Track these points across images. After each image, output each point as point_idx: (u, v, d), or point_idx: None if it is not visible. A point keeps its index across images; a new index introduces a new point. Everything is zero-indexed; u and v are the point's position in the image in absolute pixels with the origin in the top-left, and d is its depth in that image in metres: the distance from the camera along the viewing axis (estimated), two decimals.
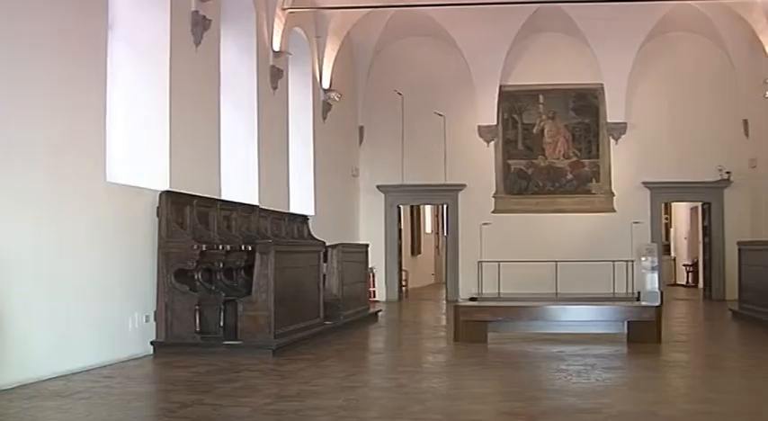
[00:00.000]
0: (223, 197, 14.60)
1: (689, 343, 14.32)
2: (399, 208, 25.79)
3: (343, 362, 11.85)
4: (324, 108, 21.45)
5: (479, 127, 24.75)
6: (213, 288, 12.69)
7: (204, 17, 13.99)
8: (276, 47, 17.84)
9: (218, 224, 13.77)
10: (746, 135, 24.15)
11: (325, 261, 15.77)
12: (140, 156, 12.62)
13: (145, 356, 11.64)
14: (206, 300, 12.25)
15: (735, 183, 24.17)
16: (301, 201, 19.67)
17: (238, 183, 15.99)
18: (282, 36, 18.09)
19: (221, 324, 12.23)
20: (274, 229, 16.50)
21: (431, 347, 13.92)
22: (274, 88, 17.79)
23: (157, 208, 12.26)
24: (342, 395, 8.87)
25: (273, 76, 17.71)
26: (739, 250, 18.99)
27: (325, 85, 21.50)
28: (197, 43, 13.92)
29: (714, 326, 17.86)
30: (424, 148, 24.67)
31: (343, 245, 17.04)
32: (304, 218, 18.69)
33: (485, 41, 23.74)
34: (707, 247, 25.30)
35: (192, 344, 11.91)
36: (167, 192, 12.43)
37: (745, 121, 24.10)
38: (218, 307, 12.25)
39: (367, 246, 19.56)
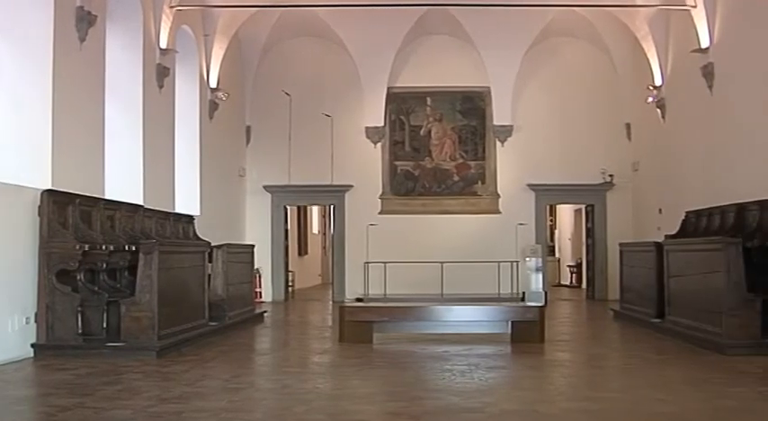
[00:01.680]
0: (107, 196, 14.38)
1: (571, 342, 14.56)
2: (286, 208, 25.71)
3: (227, 363, 11.77)
4: (211, 107, 21.28)
5: (367, 128, 24.84)
6: (96, 289, 12.52)
7: (89, 13, 13.76)
8: (163, 44, 17.64)
9: (101, 224, 13.56)
10: (629, 139, 24.74)
11: (211, 261, 15.67)
12: (22, 155, 12.36)
13: (25, 359, 11.38)
14: (89, 300, 12.07)
15: (617, 185, 24.70)
16: (187, 200, 19.46)
17: (122, 182, 15.75)
18: (169, 34, 17.90)
19: (104, 325, 12.09)
20: (159, 229, 16.31)
21: (316, 348, 13.91)
22: (160, 87, 17.59)
23: (39, 207, 12.01)
24: (225, 396, 8.80)
25: (160, 74, 17.52)
26: (621, 251, 19.39)
27: (213, 84, 21.32)
28: (82, 40, 13.69)
29: (596, 325, 18.18)
30: (311, 149, 24.65)
31: (228, 245, 16.95)
32: (189, 218, 18.51)
33: (373, 43, 23.84)
34: (590, 249, 25.83)
35: (75, 346, 11.70)
36: (49, 191, 12.20)
37: (628, 125, 24.68)
38: (101, 308, 12.10)
39: (253, 246, 19.48)
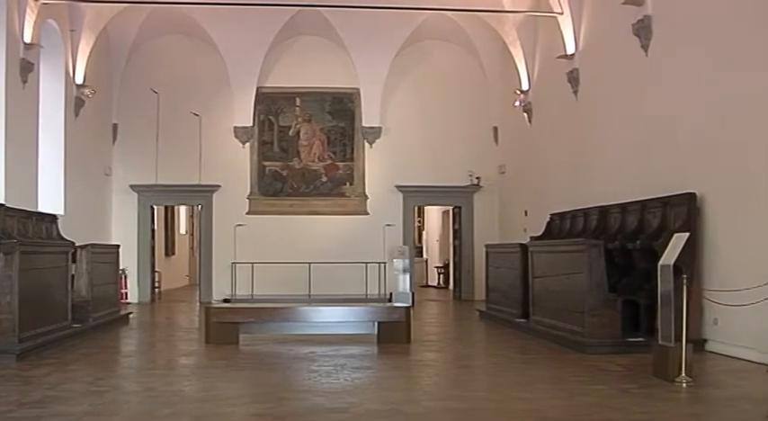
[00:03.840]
0: None
1: (437, 342, 14.69)
2: (153, 208, 25.34)
3: (90, 365, 11.54)
4: (76, 104, 20.82)
5: (235, 128, 24.67)
6: None
7: None
8: (27, 39, 17.19)
9: None
10: (496, 142, 25.12)
11: (75, 262, 15.36)
12: None
13: None
14: None
15: (484, 187, 25.05)
16: (50, 199, 19.03)
17: None
18: (34, 28, 17.46)
19: None
20: (21, 229, 15.90)
21: (182, 349, 13.75)
22: (24, 82, 17.16)
23: None
24: (88, 400, 8.63)
25: (23, 69, 17.08)
26: (486, 253, 19.69)
27: (79, 80, 20.86)
28: None
29: (462, 325, 18.40)
30: (179, 148, 24.34)
31: (93, 245, 16.64)
32: (53, 217, 18.09)
33: (243, 42, 23.65)
34: (457, 250, 26.11)
35: None
36: None
37: (496, 129, 25.06)
38: None
39: (118, 246, 19.16)
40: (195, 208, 30.03)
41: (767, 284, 7.94)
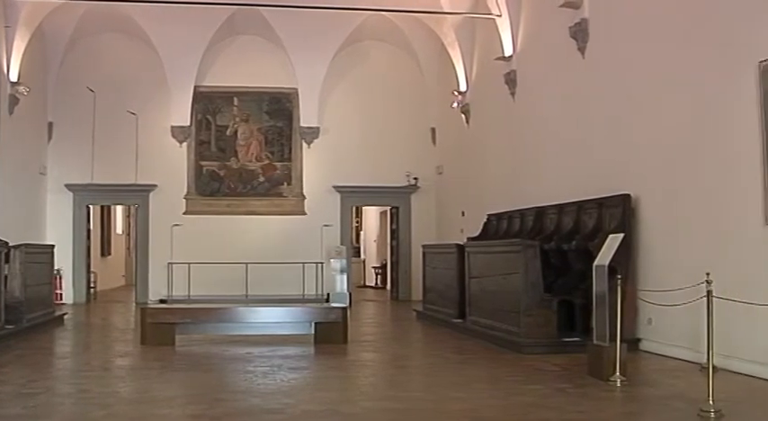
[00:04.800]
0: None
1: (374, 343, 14.72)
2: (89, 208, 25.05)
3: (23, 367, 11.40)
4: (11, 102, 20.53)
5: (173, 127, 24.50)
6: None
7: None
8: None
9: None
10: (434, 143, 25.22)
11: (8, 262, 15.16)
12: None
13: None
14: None
15: (422, 188, 25.14)
16: None
17: None
18: None
19: None
20: None
21: (118, 350, 13.63)
22: None
23: None
24: (20, 402, 8.49)
25: None
26: (423, 253, 19.72)
27: (13, 77, 20.55)
28: None
29: (399, 326, 18.43)
30: (115, 147, 24.08)
31: (27, 245, 16.42)
32: None
33: (181, 41, 23.45)
34: (395, 250, 26.16)
35: None
36: None
37: (433, 130, 25.16)
38: None
39: (53, 246, 18.95)
40: (131, 208, 29.74)
41: (700, 284, 8.04)
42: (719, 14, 10.95)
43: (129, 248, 34.27)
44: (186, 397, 9.13)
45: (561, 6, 15.45)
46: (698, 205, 11.40)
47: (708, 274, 7.94)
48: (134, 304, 23.43)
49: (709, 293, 7.93)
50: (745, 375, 9.82)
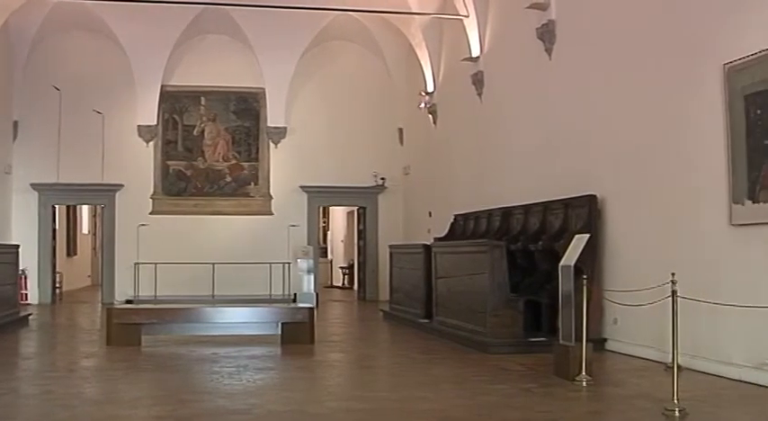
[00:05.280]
0: None
1: (341, 343, 14.73)
2: (54, 207, 24.89)
3: None
4: None
5: (139, 126, 24.38)
6: None
7: None
8: None
9: None
10: (401, 143, 25.25)
11: None
12: None
13: None
14: None
15: (389, 188, 25.16)
16: None
17: None
18: None
19: None
20: None
21: (83, 351, 13.54)
22: None
23: None
24: None
25: None
26: (390, 253, 19.75)
27: None
28: None
29: (366, 326, 18.45)
30: (81, 147, 23.90)
31: None
32: None
33: (148, 40, 23.31)
34: (362, 250, 26.16)
35: None
36: None
37: (401, 130, 25.20)
38: None
39: (18, 246, 18.80)
40: (98, 207, 29.56)
41: (665, 284, 8.09)
42: (685, 17, 11.03)
43: (95, 248, 34.09)
44: (152, 398, 9.09)
45: (528, 8, 15.49)
46: (663, 206, 11.47)
47: (673, 274, 7.99)
48: (100, 304, 23.29)
49: (674, 293, 7.98)
50: (710, 374, 9.90)
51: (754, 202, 9.49)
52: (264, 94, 24.82)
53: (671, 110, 11.32)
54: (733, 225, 9.87)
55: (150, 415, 8.04)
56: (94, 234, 34.49)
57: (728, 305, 9.01)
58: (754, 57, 9.44)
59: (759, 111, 9.38)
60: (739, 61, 9.69)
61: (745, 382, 9.39)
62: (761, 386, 9.12)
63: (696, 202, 10.68)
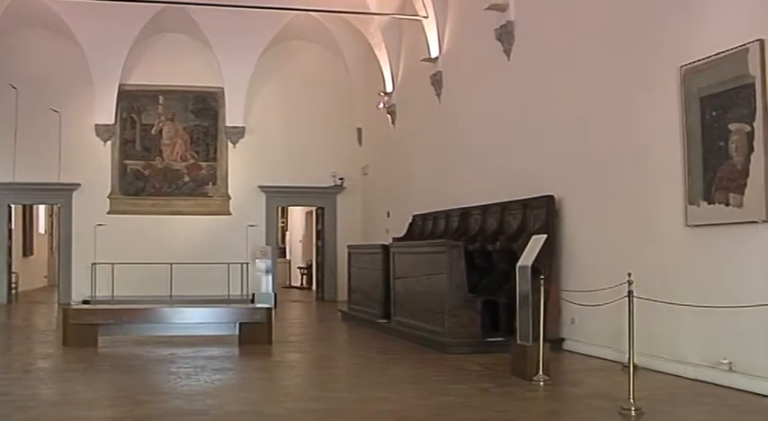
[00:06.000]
0: None
1: (299, 343, 14.73)
2: (10, 207, 24.66)
3: None
4: None
5: (97, 125, 24.22)
6: None
7: None
8: None
9: None
10: (360, 143, 25.26)
11: None
12: None
13: None
14: None
15: (348, 188, 25.18)
16: None
17: None
18: None
19: None
20: None
21: (39, 352, 13.42)
22: None
23: None
24: None
25: None
26: (349, 253, 19.76)
27: None
28: None
29: (324, 326, 18.45)
30: (38, 145, 23.68)
31: None
32: None
33: (106, 38, 23.13)
34: (320, 250, 26.14)
35: None
36: None
37: (359, 130, 25.22)
38: None
39: None
40: (54, 207, 29.33)
41: (622, 284, 8.14)
42: (642, 19, 11.11)
43: (51, 248, 33.81)
44: (108, 398, 9.03)
45: (487, 9, 15.54)
46: (620, 206, 11.55)
47: (629, 275, 8.05)
48: (56, 305, 23.11)
49: (630, 293, 8.04)
50: (666, 374, 9.98)
51: (709, 204, 9.57)
52: (223, 94, 24.76)
53: (628, 111, 11.40)
54: (689, 226, 9.96)
55: (107, 416, 7.99)
56: (51, 234, 34.23)
57: (684, 305, 9.10)
58: (710, 59, 9.52)
59: (715, 113, 9.46)
60: (696, 63, 9.77)
61: (701, 381, 9.48)
62: (716, 385, 9.21)
63: (653, 203, 10.76)
